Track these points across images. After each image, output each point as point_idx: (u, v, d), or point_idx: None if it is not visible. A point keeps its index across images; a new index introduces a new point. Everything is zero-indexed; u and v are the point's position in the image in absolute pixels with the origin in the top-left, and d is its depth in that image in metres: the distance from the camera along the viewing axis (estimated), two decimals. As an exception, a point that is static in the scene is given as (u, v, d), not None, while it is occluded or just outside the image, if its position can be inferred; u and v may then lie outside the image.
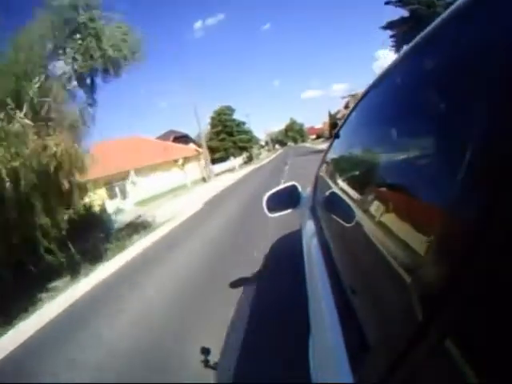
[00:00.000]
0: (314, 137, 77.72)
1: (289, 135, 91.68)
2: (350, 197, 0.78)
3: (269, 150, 69.80)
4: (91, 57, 6.40)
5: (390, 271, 0.43)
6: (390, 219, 0.50)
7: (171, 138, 28.35)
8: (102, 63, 6.61)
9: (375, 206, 0.60)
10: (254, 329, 2.16)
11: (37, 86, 5.40)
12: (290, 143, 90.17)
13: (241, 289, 2.82)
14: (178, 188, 17.51)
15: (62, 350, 2.69)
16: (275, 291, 2.55)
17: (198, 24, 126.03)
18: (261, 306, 2.43)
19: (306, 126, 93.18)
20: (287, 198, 1.50)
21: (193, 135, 31.75)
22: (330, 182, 1.14)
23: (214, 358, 1.84)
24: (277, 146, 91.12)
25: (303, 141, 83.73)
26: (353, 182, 0.85)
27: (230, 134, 37.13)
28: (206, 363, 1.78)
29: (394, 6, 17.85)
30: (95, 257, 5.79)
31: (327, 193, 0.99)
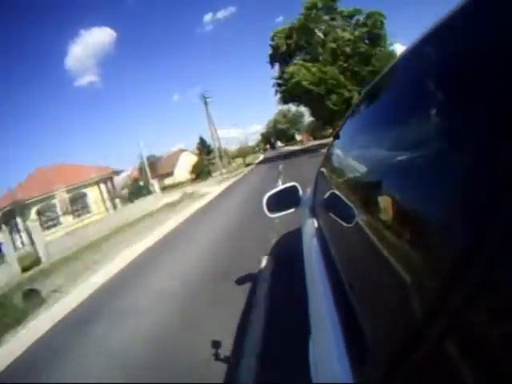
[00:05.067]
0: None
1: (279, 126, 47.87)
2: (350, 197, 0.78)
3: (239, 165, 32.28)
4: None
5: (390, 271, 0.43)
6: (390, 219, 0.50)
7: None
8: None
9: (375, 207, 0.60)
10: (253, 329, 2.15)
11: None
12: (281, 145, 51.21)
13: (240, 288, 2.82)
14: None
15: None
16: (275, 291, 2.54)
17: (208, 17, 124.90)
18: (260, 305, 2.42)
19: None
20: (287, 199, 1.51)
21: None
22: (330, 183, 1.14)
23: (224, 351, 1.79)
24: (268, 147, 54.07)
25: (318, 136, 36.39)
26: (353, 183, 0.85)
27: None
28: (217, 356, 1.82)
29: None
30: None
31: (327, 193, 0.99)
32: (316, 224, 1.22)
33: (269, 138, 55.22)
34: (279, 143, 53.60)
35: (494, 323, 0.24)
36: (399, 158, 0.59)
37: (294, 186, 1.52)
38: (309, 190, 1.76)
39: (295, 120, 47.76)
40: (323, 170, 1.46)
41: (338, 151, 1.27)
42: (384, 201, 0.57)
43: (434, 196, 0.36)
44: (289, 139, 48.54)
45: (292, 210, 1.52)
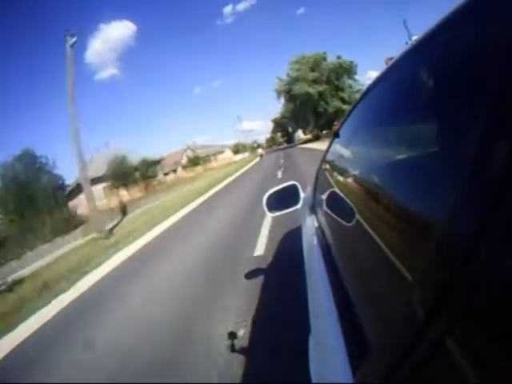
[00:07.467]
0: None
1: (300, 90, 21.49)
2: (351, 196, 0.78)
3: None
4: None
5: (391, 271, 0.43)
6: (391, 219, 0.50)
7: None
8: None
9: (375, 205, 0.60)
10: (253, 328, 2.16)
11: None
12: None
13: (239, 287, 2.82)
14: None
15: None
16: (274, 290, 2.55)
17: (228, 9, 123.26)
18: (260, 305, 2.43)
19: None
20: (287, 197, 1.51)
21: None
22: (331, 181, 1.14)
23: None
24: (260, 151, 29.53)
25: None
26: (353, 181, 0.85)
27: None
28: (233, 348, 1.89)
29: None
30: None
31: (327, 192, 0.99)
32: (316, 223, 1.22)
33: (284, 125, 32.98)
34: (301, 134, 29.26)
35: (495, 323, 0.24)
36: (399, 157, 0.59)
37: (294, 185, 1.52)
38: (309, 189, 1.76)
39: (342, 72, 20.69)
40: (323, 168, 1.46)
41: (338, 149, 1.26)
42: (384, 200, 0.57)
43: (434, 195, 0.36)
44: (323, 125, 22.49)
45: (292, 209, 1.52)
